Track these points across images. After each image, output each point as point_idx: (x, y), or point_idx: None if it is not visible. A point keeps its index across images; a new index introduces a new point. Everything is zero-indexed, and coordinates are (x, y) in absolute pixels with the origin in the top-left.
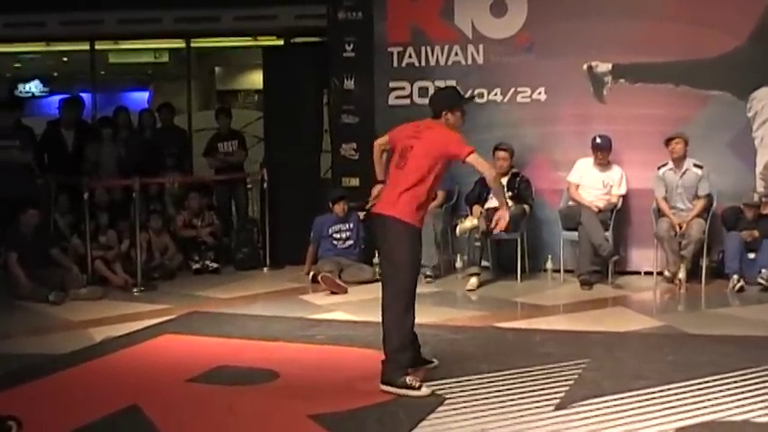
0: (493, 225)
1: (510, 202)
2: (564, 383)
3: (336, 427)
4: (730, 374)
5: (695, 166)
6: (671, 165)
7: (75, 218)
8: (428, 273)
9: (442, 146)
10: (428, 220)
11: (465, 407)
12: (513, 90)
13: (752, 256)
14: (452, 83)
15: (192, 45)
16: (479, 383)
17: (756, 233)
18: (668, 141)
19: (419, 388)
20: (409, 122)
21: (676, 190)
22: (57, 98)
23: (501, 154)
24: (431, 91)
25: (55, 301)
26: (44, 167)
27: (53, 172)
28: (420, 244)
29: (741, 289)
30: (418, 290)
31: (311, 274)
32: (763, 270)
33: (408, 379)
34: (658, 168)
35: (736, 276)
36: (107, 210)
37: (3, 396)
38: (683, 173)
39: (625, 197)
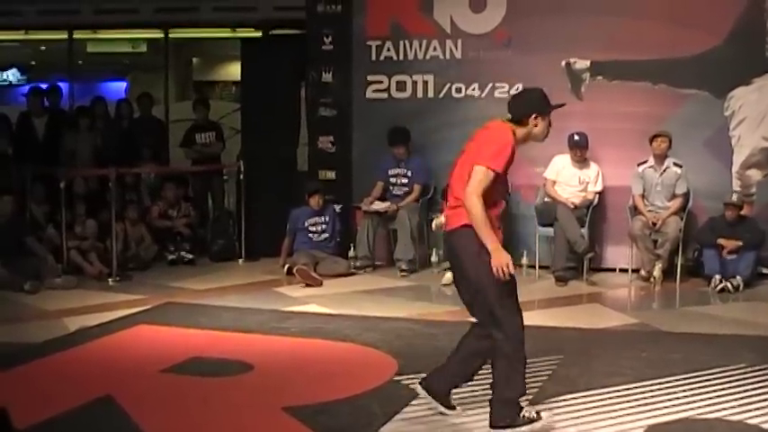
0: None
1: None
2: (538, 379)
3: (310, 420)
4: (703, 372)
5: (675, 164)
6: (651, 162)
7: (51, 207)
8: (404, 267)
9: (480, 147)
10: (404, 215)
11: None
12: (490, 85)
13: (732, 257)
14: (430, 77)
15: (170, 36)
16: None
17: (732, 244)
18: (653, 139)
19: (539, 417)
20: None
21: (655, 188)
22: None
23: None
24: (408, 85)
25: (30, 291)
26: (19, 156)
27: (26, 161)
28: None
29: (722, 289)
30: (393, 284)
31: (286, 266)
32: (737, 276)
33: (526, 413)
34: (638, 165)
35: (717, 277)
36: (84, 199)
37: None
38: (663, 171)
39: (601, 194)
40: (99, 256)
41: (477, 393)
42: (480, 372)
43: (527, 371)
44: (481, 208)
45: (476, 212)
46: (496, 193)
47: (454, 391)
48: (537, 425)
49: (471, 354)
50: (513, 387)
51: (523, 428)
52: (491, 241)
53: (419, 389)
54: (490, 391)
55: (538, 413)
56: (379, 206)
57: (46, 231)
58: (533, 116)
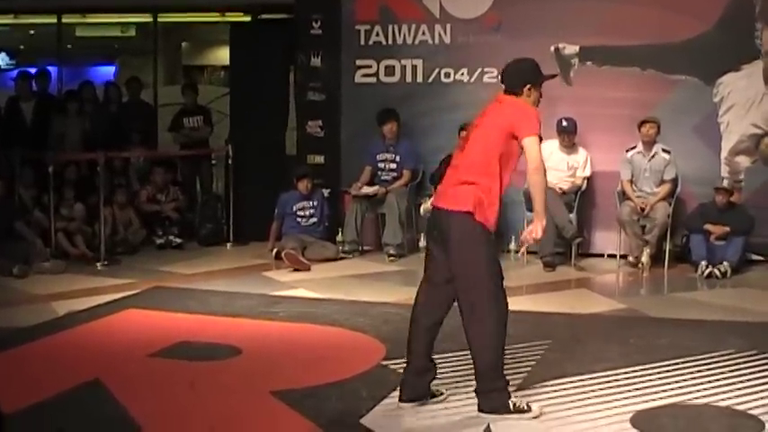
0: (522, 239)
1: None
2: (526, 365)
3: (298, 404)
4: (691, 358)
5: (663, 150)
6: (640, 148)
7: (37, 191)
8: (392, 252)
9: (507, 118)
10: (392, 199)
11: None
12: (479, 70)
13: (720, 243)
14: (419, 62)
15: (159, 20)
16: (441, 363)
17: (720, 229)
18: (641, 125)
19: (530, 409)
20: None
21: (644, 174)
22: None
23: (466, 134)
24: (397, 70)
25: (18, 275)
26: (7, 140)
27: (14, 145)
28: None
29: (710, 275)
30: (381, 269)
31: (274, 250)
32: (725, 263)
33: (516, 402)
34: (627, 151)
35: (704, 263)
36: (74, 184)
37: None
38: (652, 156)
39: (590, 179)
40: (87, 241)
41: (462, 375)
42: (460, 354)
43: (514, 356)
44: (546, 183)
45: (542, 189)
46: (511, 169)
47: (440, 373)
48: (526, 416)
49: (426, 353)
50: (493, 378)
51: (513, 416)
52: (543, 208)
53: (404, 406)
54: (473, 377)
55: (528, 405)
56: (367, 190)
57: (33, 215)
58: (527, 87)
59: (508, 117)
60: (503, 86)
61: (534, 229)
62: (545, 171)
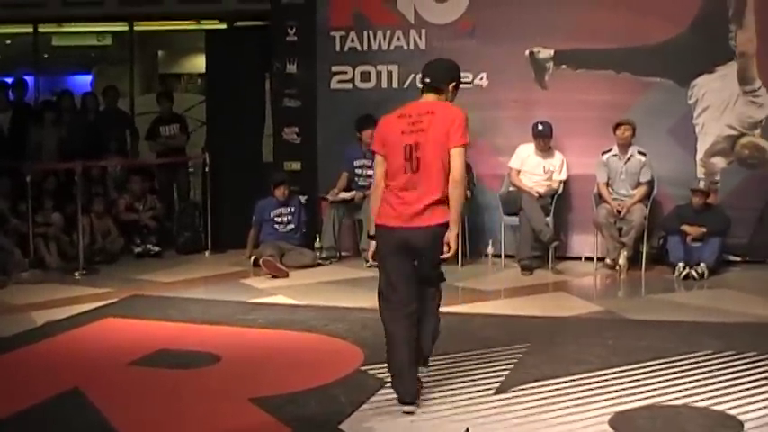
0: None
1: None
2: (504, 368)
3: (277, 410)
4: (669, 359)
5: (639, 153)
6: (616, 150)
7: (12, 200)
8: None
9: (445, 129)
10: (367, 205)
11: None
12: None
13: (696, 244)
14: (394, 68)
15: (136, 28)
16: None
17: (696, 230)
18: (616, 127)
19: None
20: (388, 115)
21: (620, 176)
22: None
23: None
24: (373, 75)
25: None
26: None
27: None
28: None
29: (687, 276)
30: (358, 275)
31: (252, 257)
32: (702, 264)
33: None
34: (603, 154)
35: (681, 264)
36: (52, 194)
37: None
38: (628, 159)
39: (566, 183)
40: (65, 250)
41: (439, 380)
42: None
43: (492, 359)
44: (464, 197)
45: (460, 202)
46: None
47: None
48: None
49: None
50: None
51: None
52: (458, 219)
53: (408, 409)
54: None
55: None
56: (345, 194)
57: (10, 223)
58: (453, 84)
59: (446, 127)
60: (426, 81)
61: (448, 241)
62: (465, 185)
